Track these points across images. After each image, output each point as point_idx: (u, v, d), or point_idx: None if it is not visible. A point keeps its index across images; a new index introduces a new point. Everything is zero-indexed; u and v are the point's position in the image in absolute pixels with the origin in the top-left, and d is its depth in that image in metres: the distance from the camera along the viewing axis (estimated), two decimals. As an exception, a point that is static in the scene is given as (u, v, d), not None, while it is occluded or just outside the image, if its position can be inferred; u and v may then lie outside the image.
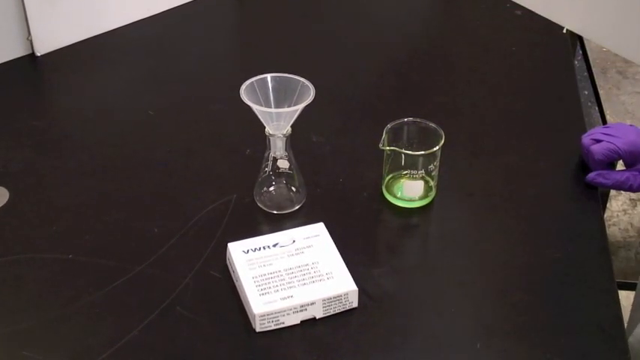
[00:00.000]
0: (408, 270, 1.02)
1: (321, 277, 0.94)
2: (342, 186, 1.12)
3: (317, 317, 0.93)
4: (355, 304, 0.94)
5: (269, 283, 0.93)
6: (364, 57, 1.42)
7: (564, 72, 1.38)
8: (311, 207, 1.08)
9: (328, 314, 0.93)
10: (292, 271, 0.95)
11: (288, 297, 0.92)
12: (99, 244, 1.03)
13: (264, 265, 0.96)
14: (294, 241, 0.98)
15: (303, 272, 0.95)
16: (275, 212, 1.07)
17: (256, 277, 0.94)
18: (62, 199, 1.10)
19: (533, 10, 1.51)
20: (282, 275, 0.94)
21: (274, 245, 0.98)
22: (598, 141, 1.10)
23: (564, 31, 1.47)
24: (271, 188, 1.08)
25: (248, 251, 0.97)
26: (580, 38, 1.50)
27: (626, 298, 1.80)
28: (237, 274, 0.95)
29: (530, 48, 1.45)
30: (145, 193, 1.11)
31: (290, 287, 0.93)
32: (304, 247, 0.98)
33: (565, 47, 1.45)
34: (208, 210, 1.07)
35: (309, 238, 0.99)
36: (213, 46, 1.45)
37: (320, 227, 1.01)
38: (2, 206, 1.08)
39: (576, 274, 1.00)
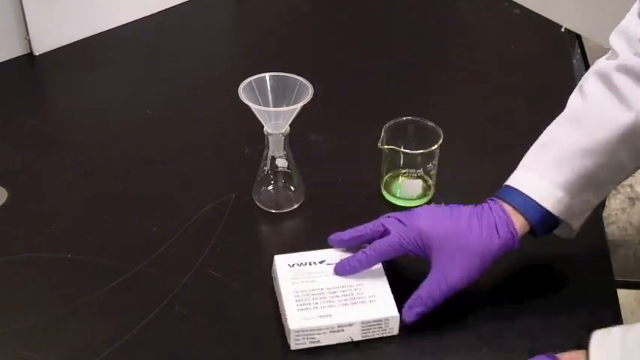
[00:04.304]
0: (407, 268, 1.02)
1: (363, 299, 0.91)
2: (341, 185, 1.12)
3: (354, 340, 0.90)
4: (396, 332, 0.91)
5: (309, 299, 0.91)
6: (362, 56, 1.42)
7: (563, 71, 1.38)
8: (309, 206, 1.08)
9: (367, 338, 0.90)
10: (335, 290, 0.92)
11: (327, 315, 0.89)
12: (98, 243, 1.03)
13: (307, 282, 0.93)
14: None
15: (345, 292, 0.92)
16: (274, 211, 1.07)
17: (297, 292, 0.92)
18: (60, 199, 1.10)
19: (531, 8, 1.51)
20: (323, 293, 0.92)
21: (321, 262, 0.95)
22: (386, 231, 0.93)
23: (563, 29, 1.47)
24: (270, 187, 1.08)
25: (293, 265, 0.95)
26: (579, 37, 1.50)
27: (625, 296, 1.80)
28: (279, 287, 0.93)
29: (529, 47, 1.45)
30: (143, 193, 1.11)
31: (330, 306, 0.90)
32: None
33: (564, 46, 1.45)
34: (207, 209, 1.07)
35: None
36: (212, 46, 1.45)
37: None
38: (1, 205, 1.08)
39: (575, 273, 1.00)
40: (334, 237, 0.96)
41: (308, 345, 0.89)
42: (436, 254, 0.90)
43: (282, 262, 0.95)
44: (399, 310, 0.91)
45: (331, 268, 0.94)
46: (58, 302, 0.95)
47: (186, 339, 0.91)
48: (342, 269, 0.93)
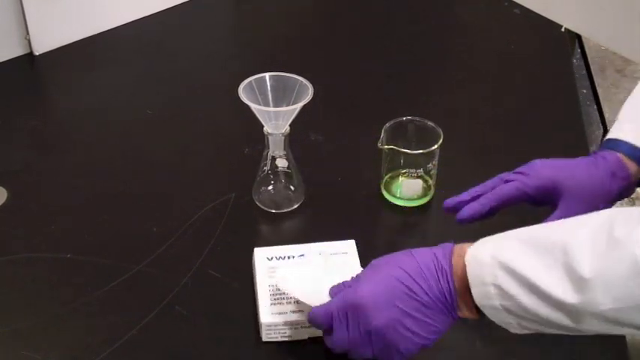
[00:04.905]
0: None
1: None
2: (341, 185, 1.12)
3: None
4: None
5: (283, 293, 0.91)
6: (362, 56, 1.42)
7: (563, 70, 1.38)
8: (309, 206, 1.08)
9: None
10: None
11: (299, 311, 0.89)
12: (98, 243, 1.03)
13: None
14: (319, 255, 0.96)
15: None
16: (274, 211, 1.07)
17: (272, 285, 0.92)
18: (60, 199, 1.10)
19: (531, 8, 1.51)
20: None
21: (300, 256, 0.96)
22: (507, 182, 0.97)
23: (563, 29, 1.47)
24: (270, 187, 1.08)
25: (272, 258, 0.96)
26: (578, 37, 1.50)
27: (624, 296, 1.79)
28: (255, 279, 0.94)
29: (529, 46, 1.45)
30: (143, 193, 1.11)
31: None
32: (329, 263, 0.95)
33: (563, 46, 1.45)
34: (207, 209, 1.07)
35: (336, 254, 0.96)
36: (212, 45, 1.45)
37: (350, 244, 0.98)
38: (1, 205, 1.08)
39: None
40: (451, 200, 0.97)
41: (280, 339, 0.90)
42: (558, 198, 0.93)
43: (260, 255, 0.96)
44: None
45: (309, 263, 0.95)
46: (58, 302, 0.95)
47: (186, 339, 0.91)
48: (462, 215, 0.95)
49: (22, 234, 1.04)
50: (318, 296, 0.85)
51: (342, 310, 0.81)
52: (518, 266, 0.73)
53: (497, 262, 0.74)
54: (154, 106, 1.27)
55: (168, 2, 1.49)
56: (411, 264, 0.80)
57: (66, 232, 1.05)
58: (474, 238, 1.06)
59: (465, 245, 0.80)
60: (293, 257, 0.96)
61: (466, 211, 0.95)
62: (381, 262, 0.83)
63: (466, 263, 0.77)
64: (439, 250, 0.81)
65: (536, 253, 0.73)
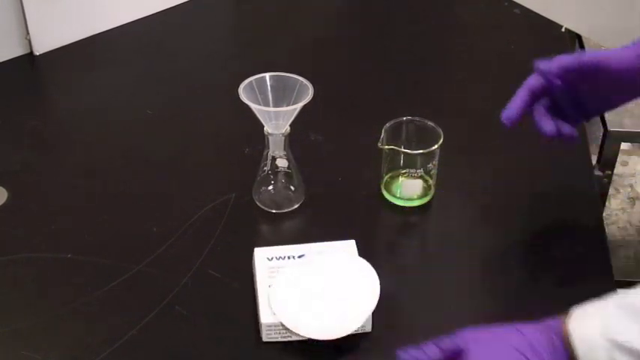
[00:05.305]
0: (407, 269, 1.02)
1: None
2: (341, 185, 1.12)
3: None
4: (368, 329, 0.91)
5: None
6: (362, 56, 1.42)
7: (563, 70, 1.38)
8: (310, 206, 1.08)
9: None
10: None
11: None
12: (98, 243, 1.03)
13: None
14: (319, 255, 0.96)
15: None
16: (274, 211, 1.07)
17: (272, 286, 0.92)
18: (61, 199, 1.10)
19: (531, 8, 1.51)
20: None
21: (299, 256, 0.96)
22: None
23: (563, 29, 1.47)
24: (270, 187, 1.08)
25: (272, 259, 0.95)
26: (579, 37, 1.50)
27: (624, 296, 1.79)
28: (255, 279, 0.94)
29: (529, 47, 1.45)
30: (143, 193, 1.11)
31: None
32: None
33: (564, 46, 1.44)
34: (207, 209, 1.07)
35: (336, 254, 0.96)
36: (212, 45, 1.45)
37: (350, 244, 0.98)
38: (1, 205, 1.08)
39: (575, 273, 1.00)
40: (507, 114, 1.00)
41: (280, 339, 0.90)
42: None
43: (260, 255, 0.96)
44: None
45: (309, 263, 0.94)
46: (58, 302, 0.95)
47: (186, 339, 0.91)
48: (504, 117, 0.99)
49: (22, 234, 1.04)
50: (308, 323, 0.86)
51: None
52: (637, 345, 0.71)
53: (611, 344, 0.72)
54: (154, 106, 1.27)
55: (168, 2, 1.49)
56: (522, 341, 0.78)
57: (66, 232, 1.05)
58: (475, 239, 1.06)
59: (562, 321, 0.78)
60: (293, 257, 0.96)
61: (505, 113, 0.99)
62: (484, 339, 0.80)
63: (575, 344, 0.75)
64: (548, 326, 0.78)
65: None
